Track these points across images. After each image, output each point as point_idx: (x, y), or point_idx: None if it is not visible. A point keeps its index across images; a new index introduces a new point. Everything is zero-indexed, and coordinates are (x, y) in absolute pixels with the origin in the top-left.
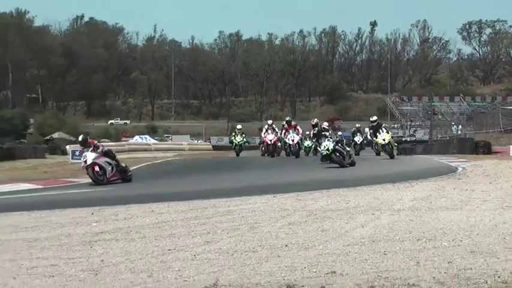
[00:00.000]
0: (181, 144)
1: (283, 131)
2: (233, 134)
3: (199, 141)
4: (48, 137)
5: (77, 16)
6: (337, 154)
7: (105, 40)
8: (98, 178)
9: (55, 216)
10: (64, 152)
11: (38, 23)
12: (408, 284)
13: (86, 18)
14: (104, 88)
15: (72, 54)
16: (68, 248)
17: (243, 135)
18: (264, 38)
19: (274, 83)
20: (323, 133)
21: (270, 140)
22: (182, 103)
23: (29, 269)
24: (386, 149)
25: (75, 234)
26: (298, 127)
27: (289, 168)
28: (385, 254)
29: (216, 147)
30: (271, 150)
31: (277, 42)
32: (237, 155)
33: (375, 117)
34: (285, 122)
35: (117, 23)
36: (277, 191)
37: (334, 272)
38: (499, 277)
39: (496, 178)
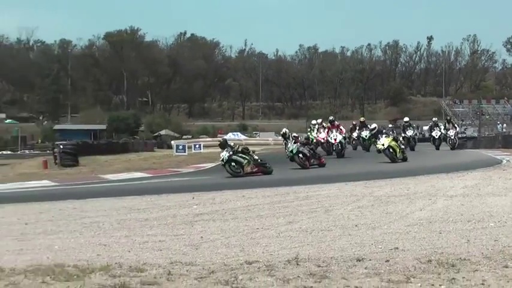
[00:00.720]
0: (267, 140)
1: (327, 130)
2: (308, 129)
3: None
4: (156, 134)
5: (181, 32)
6: (300, 156)
7: (204, 53)
8: None
9: (162, 200)
10: (169, 146)
11: (148, 38)
12: (460, 258)
13: (188, 34)
14: (202, 93)
15: (177, 65)
16: (173, 227)
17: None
18: (337, 50)
19: (346, 88)
20: (290, 138)
21: (323, 138)
22: (268, 105)
23: (141, 243)
24: (386, 154)
25: (179, 215)
26: (341, 127)
27: (357, 161)
28: (440, 233)
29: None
30: (326, 148)
31: (348, 53)
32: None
33: (373, 125)
34: (328, 122)
35: (214, 38)
36: (348, 180)
37: (397, 248)
38: None
39: None
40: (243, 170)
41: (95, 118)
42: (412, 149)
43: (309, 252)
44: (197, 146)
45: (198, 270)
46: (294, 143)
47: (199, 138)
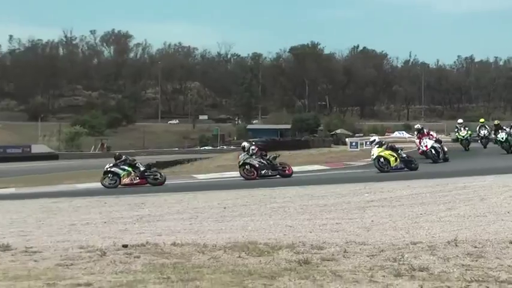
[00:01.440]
0: None
1: (419, 140)
2: (455, 129)
3: (441, 135)
4: (333, 132)
5: (354, 46)
6: (247, 167)
7: (374, 63)
8: None
9: (338, 189)
10: (344, 143)
11: (326, 51)
12: None
13: (360, 47)
14: (372, 97)
15: (351, 74)
16: (347, 211)
17: (467, 129)
18: (491, 60)
19: (499, 93)
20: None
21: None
22: (429, 108)
23: (320, 226)
24: (375, 164)
25: (353, 202)
26: (431, 133)
27: (506, 157)
28: None
29: (453, 140)
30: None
31: (501, 62)
32: (465, 149)
33: (372, 138)
34: (416, 131)
35: (382, 51)
36: (499, 173)
37: None
38: None
39: None
40: (120, 181)
41: (281, 119)
42: None
43: (466, 235)
44: (368, 142)
45: (369, 249)
46: (251, 155)
47: (370, 136)
